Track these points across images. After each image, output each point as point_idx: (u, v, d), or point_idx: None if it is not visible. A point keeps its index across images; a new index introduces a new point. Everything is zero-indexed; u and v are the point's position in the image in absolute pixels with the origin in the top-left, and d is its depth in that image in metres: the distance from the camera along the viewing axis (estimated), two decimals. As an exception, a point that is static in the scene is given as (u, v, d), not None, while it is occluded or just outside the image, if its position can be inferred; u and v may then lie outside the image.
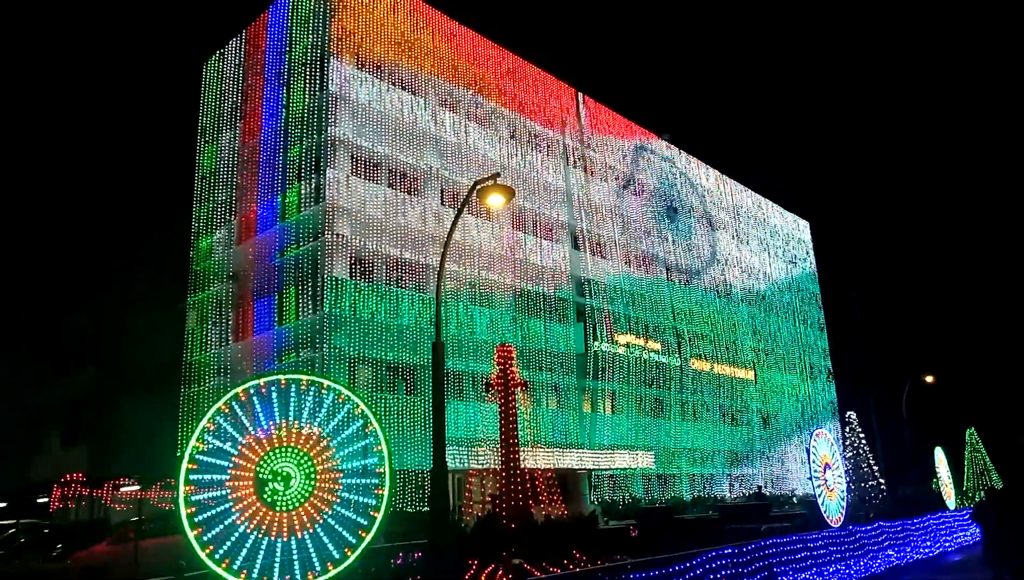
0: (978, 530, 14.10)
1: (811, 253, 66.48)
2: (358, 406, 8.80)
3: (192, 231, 35.91)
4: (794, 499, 44.26)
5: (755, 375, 52.09)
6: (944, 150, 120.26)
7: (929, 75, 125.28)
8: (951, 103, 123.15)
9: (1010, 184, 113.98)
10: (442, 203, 33.98)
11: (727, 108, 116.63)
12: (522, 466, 18.70)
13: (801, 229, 66.24)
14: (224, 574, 8.11)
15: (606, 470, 38.08)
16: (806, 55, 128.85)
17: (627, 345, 41.43)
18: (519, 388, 18.75)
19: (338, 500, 8.52)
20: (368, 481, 8.68)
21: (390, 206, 31.67)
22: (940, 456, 28.42)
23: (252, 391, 8.52)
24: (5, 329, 46.02)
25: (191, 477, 8.41)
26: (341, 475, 8.64)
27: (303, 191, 30.87)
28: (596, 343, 39.55)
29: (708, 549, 12.62)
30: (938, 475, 28.80)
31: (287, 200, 31.67)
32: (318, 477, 8.47)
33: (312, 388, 8.75)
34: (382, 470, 8.61)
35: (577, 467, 35.98)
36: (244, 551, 8.24)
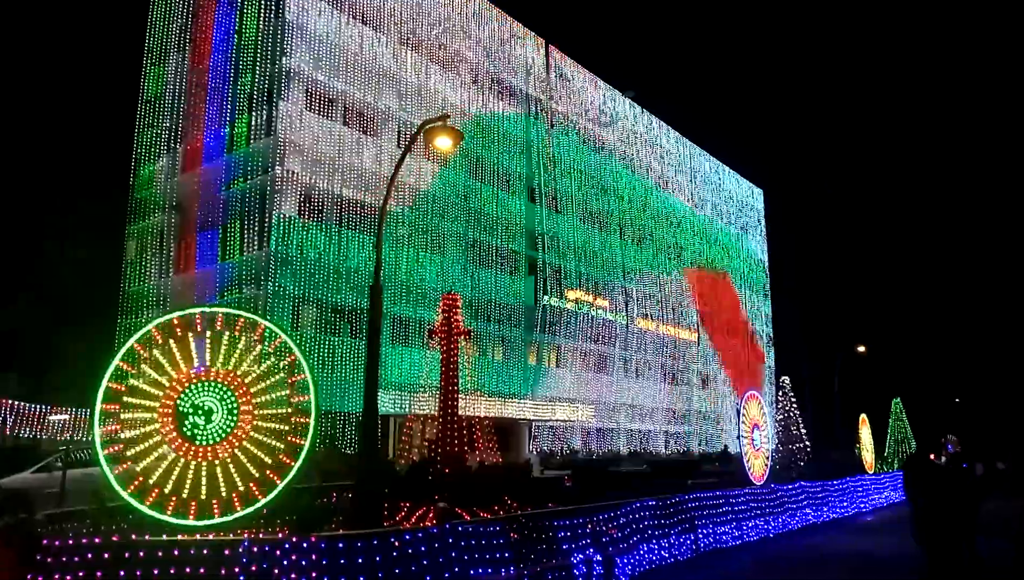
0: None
1: (762, 221, 67.64)
2: (286, 343, 8.64)
3: (133, 157, 34.45)
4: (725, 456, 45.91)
5: (698, 337, 53.29)
6: (897, 130, 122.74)
7: (887, 50, 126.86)
8: (907, 82, 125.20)
9: (944, 163, 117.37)
10: (398, 145, 33.26)
11: (693, 71, 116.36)
12: (461, 413, 18.86)
13: (755, 197, 67.18)
14: (138, 505, 8.00)
15: (546, 421, 38.76)
16: (772, 25, 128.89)
17: (576, 301, 41.81)
18: (462, 337, 18.74)
19: (261, 437, 8.41)
20: (293, 419, 8.59)
21: (344, 145, 30.86)
22: (864, 423, 29.71)
23: (168, 327, 8.29)
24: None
25: (109, 408, 8.22)
26: (265, 412, 8.52)
27: (253, 123, 29.81)
28: (546, 297, 39.79)
29: (632, 500, 12.97)
30: (861, 441, 30.12)
31: (236, 131, 30.56)
32: (240, 413, 8.33)
33: (236, 323, 8.55)
34: (308, 408, 8.51)
35: (518, 417, 36.52)
36: (162, 484, 8.12)
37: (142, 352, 8.36)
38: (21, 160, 39.99)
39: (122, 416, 8.08)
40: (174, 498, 8.08)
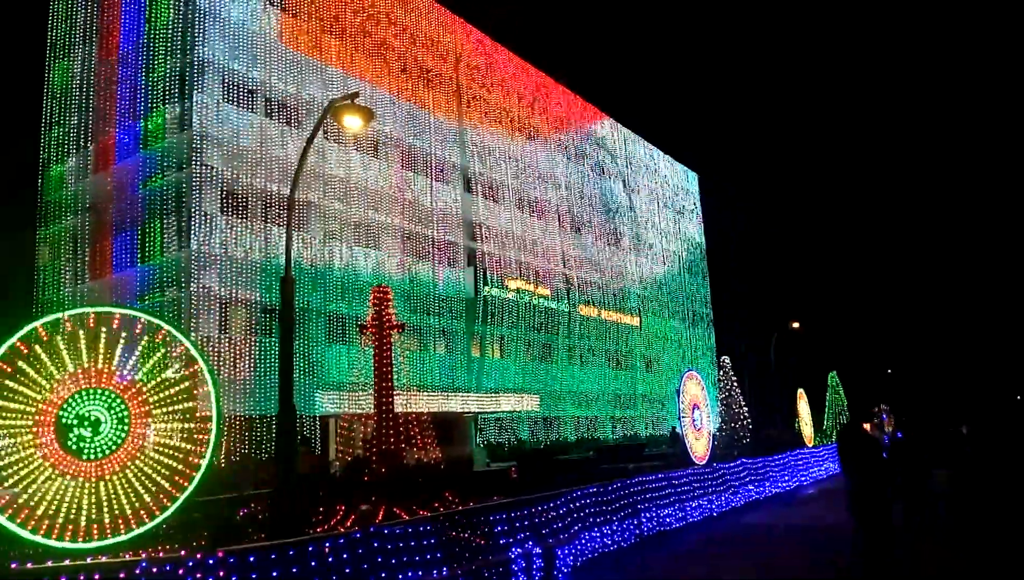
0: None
1: (698, 204, 68.56)
2: (182, 344, 7.88)
3: (41, 157, 32.40)
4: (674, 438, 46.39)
5: (640, 321, 53.67)
6: (825, 110, 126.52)
7: (814, 28, 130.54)
8: (834, 60, 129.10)
9: (871, 144, 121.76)
10: (326, 137, 32.15)
11: (623, 55, 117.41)
12: (401, 410, 18.28)
13: (690, 180, 68.02)
14: (16, 529, 7.15)
15: (492, 413, 38.35)
16: (700, 9, 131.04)
17: (517, 290, 41.43)
18: (395, 330, 18.10)
19: (158, 448, 7.66)
20: (194, 425, 7.85)
21: (267, 137, 29.61)
22: (802, 397, 30.23)
23: (51, 328, 7.44)
24: None
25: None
26: (162, 419, 7.76)
27: (168, 116, 28.29)
28: (486, 288, 39.27)
29: (573, 488, 12.61)
30: (800, 415, 30.66)
31: (150, 126, 28.97)
32: (132, 422, 7.55)
33: (126, 323, 7.76)
34: (209, 413, 7.79)
35: (463, 410, 36.00)
36: (43, 505, 7.29)
37: (19, 361, 7.48)
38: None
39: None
40: (59, 520, 7.26)
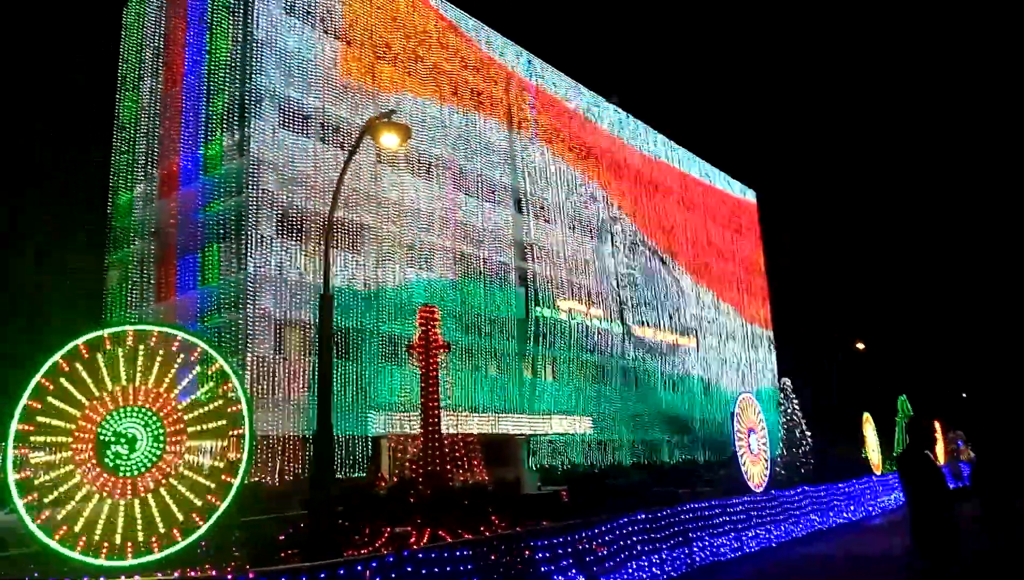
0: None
1: (756, 222, 66.98)
2: (217, 362, 7.89)
3: (111, 185, 33.91)
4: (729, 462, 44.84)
5: (697, 342, 52.42)
6: (891, 125, 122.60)
7: (879, 45, 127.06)
8: (902, 76, 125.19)
9: (942, 156, 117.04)
10: (378, 160, 32.67)
11: (678, 74, 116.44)
12: (454, 431, 18.19)
13: (748, 198, 66.59)
14: (55, 545, 7.21)
15: (544, 435, 37.86)
16: (757, 23, 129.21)
17: (569, 311, 41.03)
18: (441, 350, 18.02)
19: (191, 464, 7.65)
20: (228, 444, 7.83)
21: (321, 161, 30.25)
22: (868, 422, 28.79)
23: (92, 346, 7.55)
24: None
25: (23, 439, 7.46)
26: (197, 437, 7.76)
27: (227, 143, 29.24)
28: (538, 308, 39.02)
29: (620, 515, 12.15)
30: (866, 441, 29.19)
31: (210, 152, 29.99)
32: (167, 439, 7.57)
33: (161, 342, 7.81)
34: (242, 432, 7.75)
35: (514, 432, 35.67)
36: (81, 520, 7.34)
37: (61, 379, 7.61)
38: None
39: (34, 440, 7.32)
40: (95, 537, 7.29)
